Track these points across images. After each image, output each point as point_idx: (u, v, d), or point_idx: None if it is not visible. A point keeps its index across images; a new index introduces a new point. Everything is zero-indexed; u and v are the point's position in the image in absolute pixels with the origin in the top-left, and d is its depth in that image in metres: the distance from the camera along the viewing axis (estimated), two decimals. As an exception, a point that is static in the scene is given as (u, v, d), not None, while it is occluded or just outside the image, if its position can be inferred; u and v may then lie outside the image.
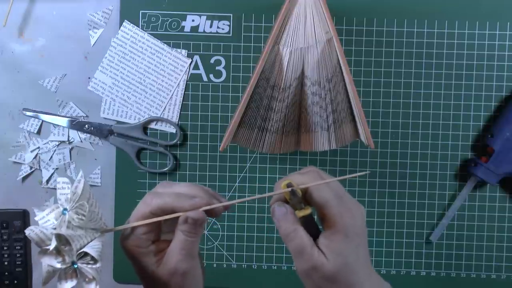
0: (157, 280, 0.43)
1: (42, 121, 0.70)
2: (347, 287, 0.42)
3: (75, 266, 0.38)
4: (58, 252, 0.38)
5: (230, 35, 0.68)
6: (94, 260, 0.38)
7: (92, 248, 0.38)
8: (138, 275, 0.45)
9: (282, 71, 0.55)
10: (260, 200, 0.69)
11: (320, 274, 0.42)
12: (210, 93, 0.69)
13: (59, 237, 0.37)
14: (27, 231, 0.38)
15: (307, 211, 0.43)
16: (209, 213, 0.43)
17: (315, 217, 0.46)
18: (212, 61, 0.68)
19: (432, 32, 0.67)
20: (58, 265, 0.38)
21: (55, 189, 0.70)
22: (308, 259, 0.42)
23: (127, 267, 0.71)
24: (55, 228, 0.38)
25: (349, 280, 0.42)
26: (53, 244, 0.37)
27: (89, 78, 0.69)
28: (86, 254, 0.38)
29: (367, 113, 0.68)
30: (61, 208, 0.38)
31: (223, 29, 0.68)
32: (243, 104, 0.56)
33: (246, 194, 0.69)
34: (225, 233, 0.70)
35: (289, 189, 0.42)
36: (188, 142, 0.69)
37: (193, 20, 0.68)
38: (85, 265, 0.38)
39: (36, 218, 0.39)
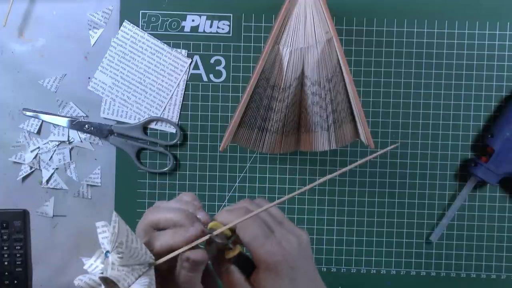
0: None
1: (42, 121, 0.70)
2: None
3: None
4: None
5: (230, 35, 0.68)
6: None
7: (139, 285, 0.38)
8: None
9: (282, 71, 0.55)
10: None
11: None
12: (210, 93, 0.69)
13: (105, 280, 0.37)
14: (76, 281, 0.38)
15: (235, 251, 0.43)
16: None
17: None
18: (212, 61, 0.68)
19: (432, 32, 0.67)
20: None
21: (55, 189, 0.70)
22: None
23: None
24: (102, 273, 0.38)
25: None
26: None
27: (89, 78, 0.69)
28: None
29: (367, 113, 0.68)
30: (104, 252, 0.38)
31: (223, 29, 0.68)
32: (243, 104, 0.56)
33: (246, 194, 0.69)
34: (225, 233, 0.70)
35: (207, 236, 0.41)
36: (188, 142, 0.69)
37: (193, 20, 0.68)
38: None
39: (85, 267, 0.39)
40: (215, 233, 0.41)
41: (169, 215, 0.42)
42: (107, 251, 0.38)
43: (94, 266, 0.39)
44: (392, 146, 0.43)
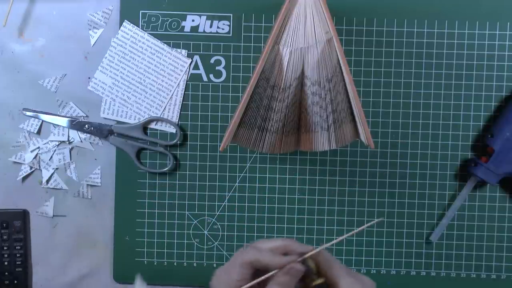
0: None
1: (42, 121, 0.70)
2: None
3: None
4: None
5: (230, 35, 0.68)
6: None
7: None
8: None
9: (282, 71, 0.55)
10: (260, 199, 0.69)
11: None
12: (210, 93, 0.69)
13: None
14: None
15: (320, 280, 0.46)
16: None
17: None
18: (212, 61, 0.69)
19: (432, 32, 0.67)
20: None
21: (55, 189, 0.70)
22: None
23: (127, 267, 0.71)
24: None
25: None
26: None
27: (89, 78, 0.69)
28: None
29: (367, 113, 0.68)
30: None
31: (223, 29, 0.68)
32: (243, 104, 0.56)
33: (246, 194, 0.69)
34: (225, 233, 0.70)
35: (302, 257, 0.46)
36: (188, 142, 0.69)
37: (193, 20, 0.68)
38: None
39: None
40: (307, 255, 0.46)
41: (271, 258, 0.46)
42: None
43: None
44: (369, 224, 0.50)
